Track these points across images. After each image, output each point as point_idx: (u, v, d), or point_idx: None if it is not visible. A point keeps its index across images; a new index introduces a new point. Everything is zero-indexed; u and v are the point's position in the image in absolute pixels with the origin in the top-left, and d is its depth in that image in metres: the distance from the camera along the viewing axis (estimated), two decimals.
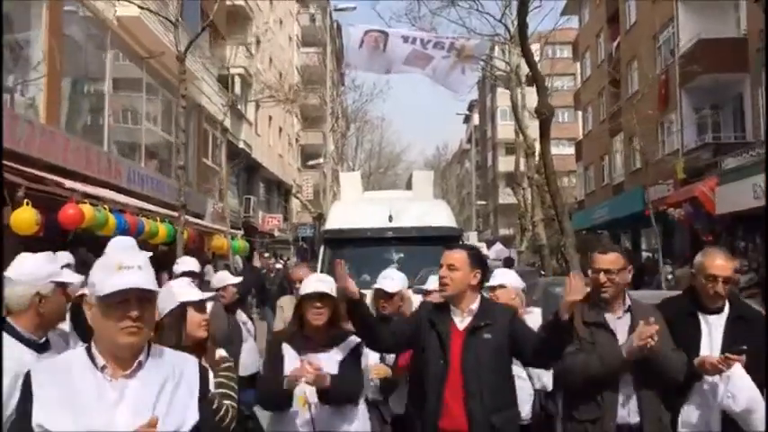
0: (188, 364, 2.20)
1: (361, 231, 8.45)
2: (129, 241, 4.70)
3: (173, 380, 2.09)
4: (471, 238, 30.29)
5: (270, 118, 31.28)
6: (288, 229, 35.25)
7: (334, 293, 3.46)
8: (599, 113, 32.24)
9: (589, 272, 3.57)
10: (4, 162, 9.20)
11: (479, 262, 3.48)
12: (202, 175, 21.60)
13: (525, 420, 4.02)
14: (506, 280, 4.44)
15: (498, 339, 3.29)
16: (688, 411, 3.45)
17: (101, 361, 2.03)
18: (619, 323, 3.50)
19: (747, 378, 3.26)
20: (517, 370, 3.95)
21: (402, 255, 8.58)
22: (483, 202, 63.45)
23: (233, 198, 25.31)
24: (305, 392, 3.32)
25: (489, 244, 29.36)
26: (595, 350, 3.42)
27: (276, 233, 31.34)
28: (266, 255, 25.03)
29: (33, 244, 8.20)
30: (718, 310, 3.53)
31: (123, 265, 2.04)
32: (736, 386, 3.24)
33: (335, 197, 42.71)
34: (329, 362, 3.36)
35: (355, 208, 9.46)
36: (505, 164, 51.36)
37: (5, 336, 2.73)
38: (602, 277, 3.47)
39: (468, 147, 77.99)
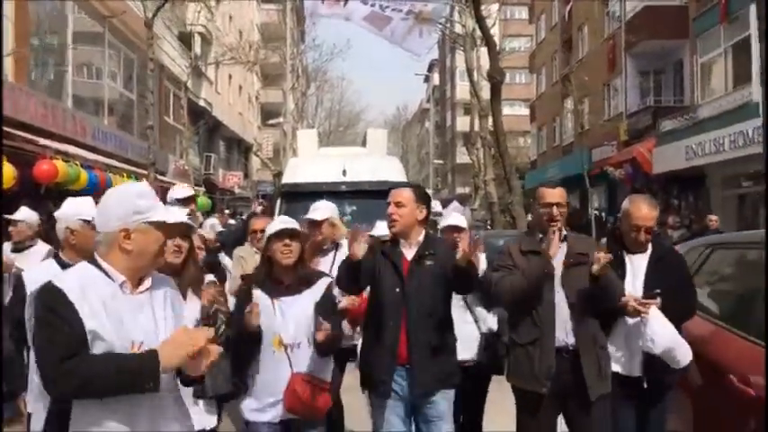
0: (170, 282, 2.51)
1: (316, 185, 8.75)
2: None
3: (168, 296, 2.40)
4: None
5: (230, 76, 31.45)
6: (248, 186, 35.70)
7: (298, 230, 3.56)
8: (552, 76, 33.17)
9: (537, 206, 3.68)
10: None
11: (424, 198, 3.63)
12: (164, 133, 21.95)
13: (472, 361, 4.28)
14: (461, 221, 4.74)
15: (439, 268, 3.47)
16: (611, 350, 3.63)
17: (120, 278, 2.26)
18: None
19: (664, 320, 3.47)
20: (463, 315, 4.28)
21: (355, 207, 9.25)
22: (440, 162, 64.31)
23: (194, 156, 25.73)
24: (279, 334, 3.37)
25: (444, 203, 30.27)
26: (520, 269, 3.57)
27: (237, 190, 31.84)
28: (226, 211, 25.52)
29: (10, 197, 8.84)
30: (642, 251, 3.74)
31: (171, 198, 2.51)
32: (654, 330, 3.43)
33: (295, 154, 43.04)
34: (302, 305, 3.44)
35: (311, 163, 9.83)
36: (463, 124, 52.02)
37: (53, 263, 3.46)
38: (555, 210, 3.57)
39: (428, 106, 78.51)
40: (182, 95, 21.63)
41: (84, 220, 3.45)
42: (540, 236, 3.63)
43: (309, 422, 3.44)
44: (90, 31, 16.45)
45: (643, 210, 3.64)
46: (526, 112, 43.48)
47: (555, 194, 3.61)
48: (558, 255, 3.57)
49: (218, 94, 29.03)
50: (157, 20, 18.25)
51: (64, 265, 3.31)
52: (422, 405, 3.52)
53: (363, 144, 12.05)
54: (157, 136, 20.52)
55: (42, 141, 9.86)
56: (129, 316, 2.22)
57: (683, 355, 3.49)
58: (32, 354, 2.77)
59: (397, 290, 3.48)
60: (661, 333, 3.43)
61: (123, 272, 2.26)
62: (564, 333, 3.49)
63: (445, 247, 3.60)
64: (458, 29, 26.22)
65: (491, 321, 4.43)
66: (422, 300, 3.47)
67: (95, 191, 11.03)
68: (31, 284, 3.15)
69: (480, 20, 18.62)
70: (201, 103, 25.58)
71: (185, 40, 23.91)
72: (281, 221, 3.57)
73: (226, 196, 29.92)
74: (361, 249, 3.29)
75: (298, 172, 9.69)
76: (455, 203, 23.82)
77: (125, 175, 12.84)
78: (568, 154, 29.55)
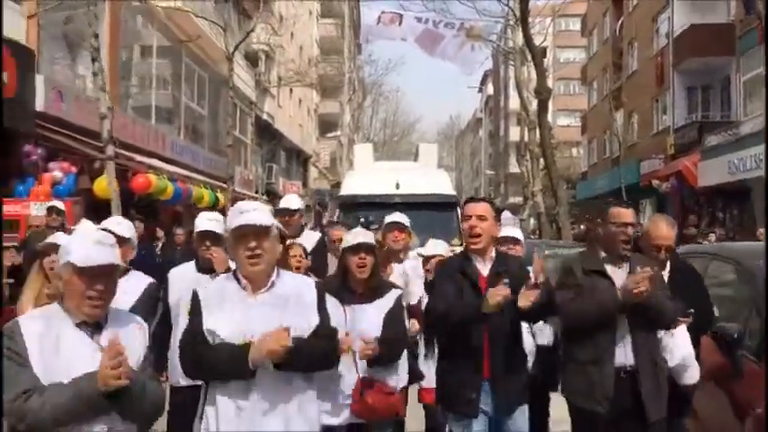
0: (308, 285, 2.85)
1: (370, 197, 9.42)
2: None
3: (296, 296, 2.70)
4: None
5: (291, 90, 33.07)
6: (306, 194, 37.27)
7: (374, 245, 3.67)
8: (603, 89, 33.68)
9: (610, 226, 3.59)
10: (84, 139, 11.27)
11: (498, 213, 3.68)
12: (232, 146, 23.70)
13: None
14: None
15: (513, 285, 3.38)
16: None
17: (243, 282, 2.69)
18: (618, 272, 3.58)
19: (687, 338, 3.59)
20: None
21: (372, 219, 9.98)
22: (491, 172, 64.87)
23: (258, 166, 27.43)
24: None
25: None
26: (594, 297, 3.52)
27: None
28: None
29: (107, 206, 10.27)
30: (661, 269, 3.79)
31: (243, 210, 2.69)
32: (676, 344, 3.55)
33: (351, 165, 44.57)
34: (374, 314, 3.56)
35: (366, 176, 10.51)
36: (516, 133, 52.51)
37: (192, 265, 4.14)
38: (630, 230, 3.55)
39: (482, 116, 79.11)
40: (249, 112, 23.17)
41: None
42: (603, 255, 3.63)
43: (378, 424, 3.58)
44: (167, 48, 18.03)
45: (663, 230, 3.79)
46: (579, 122, 43.75)
47: (628, 214, 3.58)
48: (620, 274, 3.58)
49: (280, 107, 30.66)
50: (228, 41, 19.94)
51: (200, 268, 4.11)
52: (503, 420, 3.52)
53: (415, 158, 13.00)
54: (231, 152, 22.28)
55: (139, 158, 11.36)
56: (244, 314, 2.62)
57: (693, 374, 3.63)
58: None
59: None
60: (681, 347, 3.57)
61: (244, 276, 2.70)
62: (623, 354, 3.50)
63: (517, 264, 3.66)
64: (509, 43, 27.13)
65: (548, 334, 4.37)
66: (501, 317, 3.42)
67: (179, 200, 12.55)
68: (173, 278, 4.12)
69: (528, 39, 19.59)
70: (265, 116, 27.21)
71: (250, 58, 25.58)
72: (357, 234, 3.71)
73: None
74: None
75: (354, 184, 10.35)
76: (506, 213, 24.80)
77: (202, 185, 14.31)
78: (618, 166, 30.05)
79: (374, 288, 3.63)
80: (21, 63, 10.07)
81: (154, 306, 3.88)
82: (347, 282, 3.63)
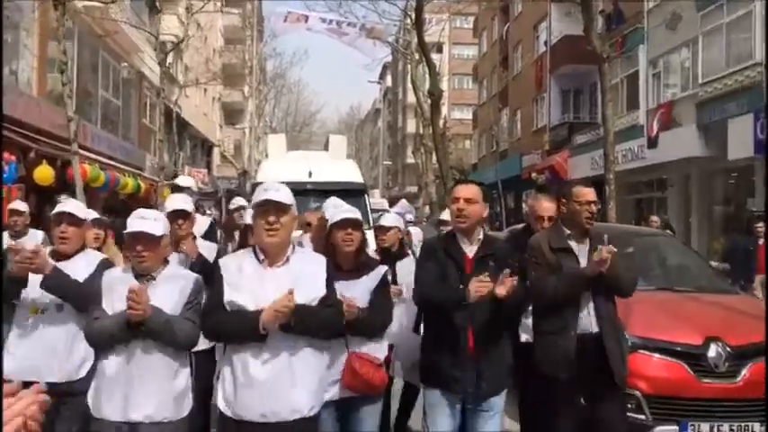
0: (320, 261, 3.09)
1: (285, 184, 11.04)
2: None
3: (310, 270, 2.96)
4: (375, 194, 33.96)
5: (197, 80, 33.91)
6: (209, 182, 38.10)
7: (361, 220, 3.69)
8: (491, 88, 36.53)
9: (574, 204, 3.85)
10: (19, 130, 12.28)
11: (487, 197, 3.65)
12: (141, 133, 24.52)
13: None
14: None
15: (499, 268, 3.42)
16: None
17: (261, 256, 2.93)
18: (581, 248, 3.88)
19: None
20: None
21: (319, 204, 11.31)
22: (389, 162, 67.30)
23: (165, 154, 28.25)
24: None
25: (392, 201, 33.00)
26: (562, 274, 3.79)
27: (200, 186, 34.26)
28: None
29: (50, 193, 11.45)
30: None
31: (268, 188, 2.96)
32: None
33: (254, 152, 45.52)
34: (361, 290, 3.58)
35: (281, 165, 11.32)
36: (413, 126, 54.78)
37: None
38: (593, 207, 3.82)
39: (381, 107, 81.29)
40: (156, 100, 24.16)
41: None
42: (569, 232, 3.93)
43: (367, 398, 3.60)
44: (85, 40, 18.78)
45: (543, 204, 4.55)
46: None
47: (592, 193, 3.87)
48: (583, 250, 3.88)
49: (187, 97, 31.47)
50: (140, 33, 20.88)
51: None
52: (478, 400, 3.55)
53: (326, 148, 13.80)
54: (135, 136, 23.15)
55: (74, 148, 12.46)
56: (260, 285, 2.88)
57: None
58: None
59: (461, 287, 3.45)
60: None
61: (262, 251, 2.97)
62: (588, 322, 3.80)
63: (504, 249, 3.74)
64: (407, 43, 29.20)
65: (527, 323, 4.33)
66: (486, 298, 3.43)
67: (107, 188, 13.72)
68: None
69: (423, 45, 21.70)
70: (173, 105, 28.06)
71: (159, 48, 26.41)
72: (344, 211, 3.73)
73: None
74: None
75: (269, 172, 11.12)
76: (403, 201, 27.07)
77: (126, 174, 15.46)
78: (504, 159, 32.90)
79: (361, 264, 3.69)
80: None
81: None
82: (334, 258, 3.58)
